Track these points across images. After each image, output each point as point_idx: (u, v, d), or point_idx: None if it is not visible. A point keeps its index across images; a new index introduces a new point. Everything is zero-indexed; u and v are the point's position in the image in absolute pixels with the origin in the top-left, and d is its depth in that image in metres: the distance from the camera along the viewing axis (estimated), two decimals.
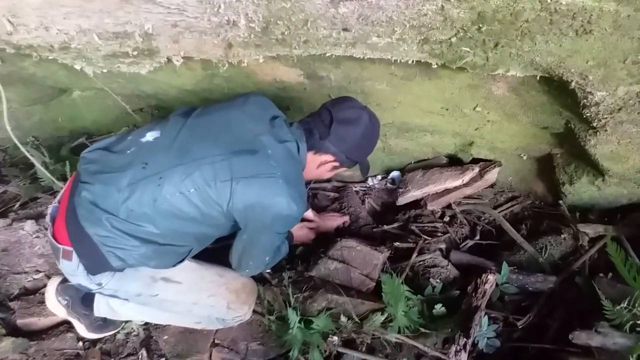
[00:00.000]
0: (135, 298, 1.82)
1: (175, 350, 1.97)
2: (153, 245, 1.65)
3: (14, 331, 2.05)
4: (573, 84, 1.83)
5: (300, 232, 2.37)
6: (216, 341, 2.00)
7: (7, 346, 1.95)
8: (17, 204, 2.63)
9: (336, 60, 2.16)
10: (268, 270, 2.21)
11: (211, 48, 1.98)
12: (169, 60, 2.12)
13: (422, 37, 1.77)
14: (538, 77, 1.92)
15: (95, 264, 1.65)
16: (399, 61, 1.95)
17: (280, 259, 2.02)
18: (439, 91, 2.28)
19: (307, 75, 2.32)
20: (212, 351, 1.97)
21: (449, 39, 1.76)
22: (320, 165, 1.87)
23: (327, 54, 1.94)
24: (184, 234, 1.69)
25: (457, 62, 1.88)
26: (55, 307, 1.98)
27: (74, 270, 1.68)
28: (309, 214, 2.49)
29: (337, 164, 1.87)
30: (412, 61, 1.93)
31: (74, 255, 1.65)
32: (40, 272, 2.28)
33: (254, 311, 2.03)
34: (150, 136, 1.72)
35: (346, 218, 2.55)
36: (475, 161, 2.76)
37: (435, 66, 1.94)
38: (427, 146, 2.77)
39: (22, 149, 2.31)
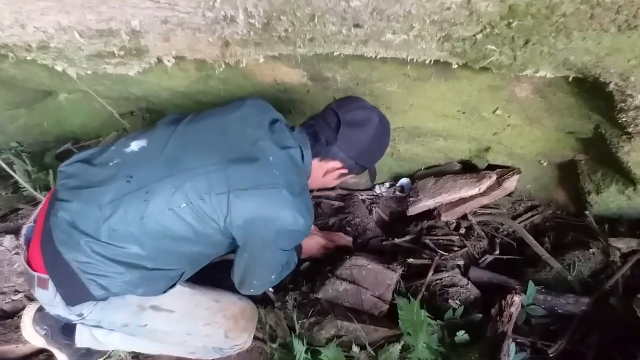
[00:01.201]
0: (121, 329, 1.62)
1: None
2: (140, 270, 1.45)
3: None
4: (611, 85, 1.64)
5: (312, 242, 2.16)
6: None
7: None
8: None
9: (344, 60, 1.97)
10: (271, 289, 2.02)
11: (206, 47, 1.79)
12: (160, 60, 1.93)
13: (444, 34, 1.57)
14: (571, 78, 1.72)
15: (75, 294, 1.45)
16: (415, 61, 1.76)
17: (288, 273, 1.84)
18: (456, 94, 2.08)
19: (311, 76, 2.12)
20: None
21: (474, 36, 1.56)
22: (327, 173, 1.69)
23: (335, 54, 1.75)
24: (175, 255, 1.49)
25: (481, 62, 1.69)
26: (33, 338, 1.78)
27: (51, 300, 1.48)
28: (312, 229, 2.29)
29: (345, 171, 1.69)
30: (430, 61, 1.74)
31: (51, 284, 1.45)
32: (19, 292, 2.09)
33: (255, 337, 1.84)
34: (135, 146, 1.52)
35: (350, 239, 2.35)
36: (490, 168, 2.56)
37: (456, 66, 1.75)
38: (440, 152, 2.58)
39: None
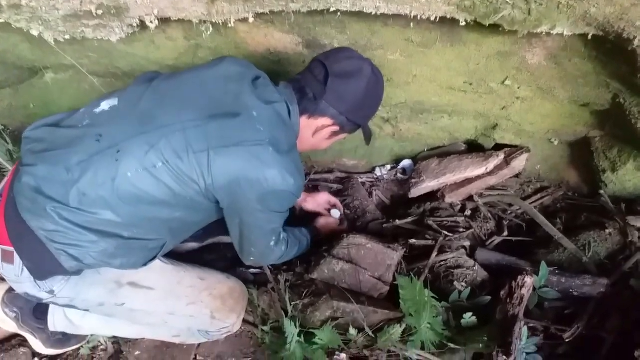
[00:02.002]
0: (97, 308, 1.47)
1: None
2: (115, 239, 1.30)
3: None
4: (636, 42, 1.49)
5: (329, 220, 2.07)
6: (198, 357, 1.67)
7: None
8: None
9: (341, 22, 1.83)
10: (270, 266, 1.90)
11: (190, 4, 1.64)
12: (143, 23, 1.78)
13: None
14: (590, 36, 1.57)
15: (42, 266, 1.31)
16: (418, 18, 1.61)
17: (301, 252, 1.76)
18: (462, 61, 1.94)
19: (307, 43, 1.98)
20: None
21: None
22: (316, 131, 1.55)
23: (332, 10, 1.60)
24: (154, 223, 1.35)
25: (492, 17, 1.54)
26: (3, 321, 1.64)
27: (17, 275, 1.34)
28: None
29: (336, 128, 1.54)
30: (436, 18, 1.59)
31: (16, 257, 1.30)
32: None
33: (244, 321, 1.69)
34: (106, 105, 1.37)
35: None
36: (497, 148, 2.41)
37: (464, 23, 1.59)
38: (444, 131, 2.43)
39: None
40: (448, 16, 1.58)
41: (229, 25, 1.71)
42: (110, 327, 1.64)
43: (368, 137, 1.67)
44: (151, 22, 1.75)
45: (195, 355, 1.66)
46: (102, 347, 1.76)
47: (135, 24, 1.79)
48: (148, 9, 1.68)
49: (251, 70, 1.50)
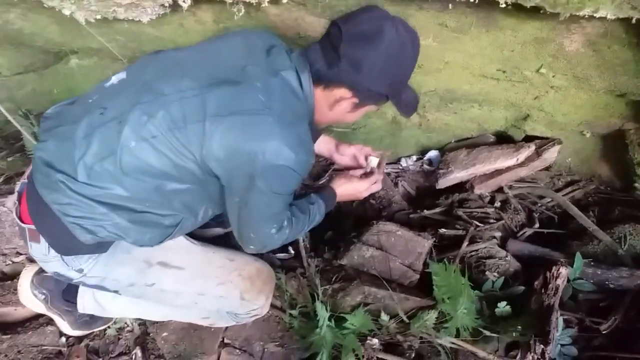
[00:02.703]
0: (126, 289, 1.45)
1: (176, 350, 1.62)
2: (127, 212, 1.27)
3: None
4: None
5: (350, 185, 1.68)
6: (226, 340, 1.64)
7: None
8: (1, 179, 2.30)
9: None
10: (291, 250, 1.87)
11: None
12: (175, 3, 1.77)
13: None
14: (634, 20, 1.52)
15: (63, 241, 1.29)
16: (456, 0, 1.58)
17: (313, 225, 1.56)
18: (497, 47, 1.90)
19: None
20: (220, 352, 1.61)
21: None
22: (334, 103, 1.35)
23: None
24: (162, 196, 1.29)
25: None
26: (31, 302, 1.63)
27: (44, 254, 1.32)
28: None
29: (355, 100, 1.33)
30: (475, 0, 1.55)
31: (42, 236, 1.30)
32: (20, 254, 1.94)
33: (272, 305, 1.67)
34: (115, 79, 1.33)
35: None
36: (526, 140, 2.37)
37: (503, 5, 1.56)
38: (473, 121, 2.39)
39: (6, 113, 1.98)
40: None
41: (263, 5, 1.69)
42: (139, 310, 1.62)
43: (404, 107, 1.42)
44: (184, 1, 1.74)
45: (223, 339, 1.64)
46: (128, 328, 1.75)
47: (167, 4, 1.78)
48: None
49: (267, 39, 1.38)
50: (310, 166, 1.32)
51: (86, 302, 1.61)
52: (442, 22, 1.83)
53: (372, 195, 2.35)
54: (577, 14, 1.54)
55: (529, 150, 2.21)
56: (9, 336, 1.67)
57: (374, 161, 1.75)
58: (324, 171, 2.63)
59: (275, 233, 1.38)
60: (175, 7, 1.80)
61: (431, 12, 1.79)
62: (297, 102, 1.31)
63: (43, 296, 1.62)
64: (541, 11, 1.56)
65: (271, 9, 1.87)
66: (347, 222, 2.20)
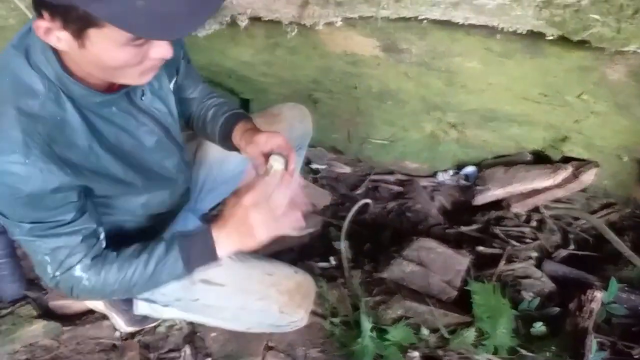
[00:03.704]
0: (174, 303, 1.55)
1: (224, 351, 1.72)
2: None
3: (46, 313, 1.84)
4: None
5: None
6: (270, 344, 1.73)
7: (38, 330, 1.75)
8: None
9: (423, 29, 1.86)
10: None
11: (284, 6, 1.72)
12: (234, 21, 1.87)
13: None
14: None
15: None
16: (504, 30, 1.63)
17: (155, 285, 1.25)
18: (540, 73, 1.95)
19: (385, 47, 2.03)
20: (265, 355, 1.71)
21: (578, 1, 1.43)
22: (45, 33, 0.90)
23: (420, 18, 1.64)
24: None
25: (580, 33, 1.55)
26: (93, 302, 1.75)
27: None
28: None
29: (62, 33, 0.89)
30: (523, 31, 1.61)
31: None
32: None
33: (314, 312, 1.75)
34: None
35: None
36: (563, 160, 2.41)
37: (551, 37, 1.61)
38: (511, 140, 2.44)
39: None
40: (535, 30, 1.60)
41: (317, 27, 1.78)
42: (189, 317, 1.72)
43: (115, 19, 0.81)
44: (242, 21, 1.84)
45: (268, 342, 1.73)
46: (177, 326, 1.85)
47: (225, 22, 1.88)
48: (242, 9, 1.76)
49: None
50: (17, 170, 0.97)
51: (141, 307, 1.70)
52: (488, 47, 1.88)
53: (408, 209, 2.43)
54: (622, 49, 1.59)
55: (567, 172, 2.25)
56: (69, 328, 1.79)
57: (277, 163, 1.13)
58: (360, 181, 2.71)
59: (59, 275, 1.13)
60: (231, 24, 1.91)
61: (477, 38, 1.84)
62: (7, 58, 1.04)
63: None
64: (586, 44, 1.61)
65: (323, 29, 1.96)
66: (385, 234, 2.27)
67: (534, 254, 2.00)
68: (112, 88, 1.10)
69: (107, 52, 0.92)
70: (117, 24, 0.82)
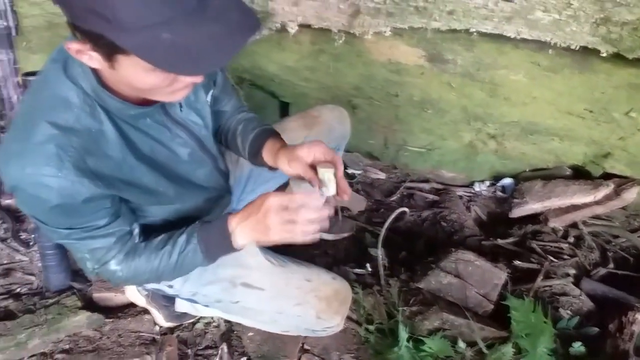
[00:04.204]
0: (215, 304, 1.58)
1: (260, 351, 1.75)
2: None
3: (90, 305, 1.90)
4: None
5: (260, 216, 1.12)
6: (306, 347, 1.76)
7: (82, 320, 1.81)
8: None
9: (470, 41, 1.87)
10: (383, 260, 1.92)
11: (334, 14, 1.74)
12: (283, 27, 1.90)
13: (602, 16, 1.45)
14: None
15: None
16: (557, 45, 1.63)
17: (181, 273, 1.29)
18: (587, 89, 1.93)
19: (430, 57, 2.03)
20: (300, 357, 1.73)
21: (638, 19, 1.42)
22: (77, 53, 0.91)
23: (471, 30, 1.65)
24: None
25: (636, 51, 1.54)
26: (134, 296, 1.81)
27: None
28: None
29: (93, 53, 0.90)
30: (576, 47, 1.60)
31: None
32: None
33: (348, 318, 1.77)
34: None
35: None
36: (604, 177, 2.37)
37: (605, 54, 1.60)
38: (551, 153, 2.41)
39: None
40: (590, 46, 1.59)
41: (366, 37, 1.79)
42: (228, 317, 1.75)
43: (142, 50, 0.82)
44: (292, 28, 1.86)
45: (303, 344, 1.76)
46: (214, 323, 1.89)
47: (275, 28, 1.91)
48: (293, 17, 1.80)
49: None
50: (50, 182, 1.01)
51: (182, 305, 1.75)
52: (535, 61, 1.88)
53: (444, 219, 2.43)
54: None
55: (608, 189, 2.22)
56: (111, 320, 1.85)
57: (327, 174, 1.14)
58: (394, 187, 2.72)
59: (97, 268, 1.21)
60: (280, 30, 1.94)
61: (525, 51, 1.84)
62: (47, 83, 1.07)
63: (146, 292, 1.79)
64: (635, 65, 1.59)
65: (369, 37, 1.97)
66: (419, 243, 2.28)
67: (572, 271, 1.98)
68: (147, 101, 1.11)
69: (135, 76, 0.94)
70: (141, 55, 0.82)
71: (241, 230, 1.15)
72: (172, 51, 0.82)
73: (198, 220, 1.27)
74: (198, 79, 0.99)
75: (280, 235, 1.09)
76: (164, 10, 0.80)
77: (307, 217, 1.07)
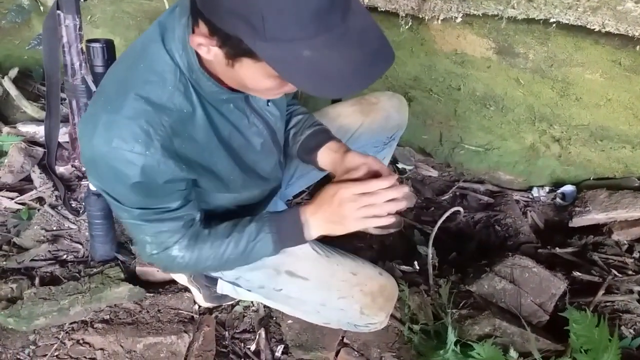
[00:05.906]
0: (258, 290, 1.54)
1: (299, 340, 1.70)
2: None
3: (132, 278, 1.90)
4: None
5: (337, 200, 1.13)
6: (345, 340, 1.70)
7: (124, 292, 1.80)
8: None
9: (546, 33, 1.75)
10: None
11: None
12: None
13: None
14: None
15: None
16: None
17: (247, 261, 1.29)
18: None
19: (499, 49, 1.92)
20: (339, 350, 1.67)
21: None
22: (208, 52, 0.89)
23: (551, 20, 1.53)
24: None
25: None
26: (177, 275, 1.79)
27: None
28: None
29: (214, 48, 0.87)
30: None
31: None
32: None
33: (392, 316, 1.70)
34: None
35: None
36: None
37: None
38: (620, 162, 2.25)
39: None
40: None
41: (435, 22, 1.70)
42: (269, 304, 1.71)
43: (284, 68, 0.81)
44: None
45: (343, 338, 1.70)
46: (253, 308, 1.86)
47: None
48: None
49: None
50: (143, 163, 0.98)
51: (224, 288, 1.71)
52: (615, 59, 1.74)
53: (498, 222, 2.31)
54: None
55: None
56: (152, 294, 1.84)
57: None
58: (447, 186, 2.61)
59: (153, 251, 1.19)
60: None
61: (606, 48, 1.71)
62: (138, 66, 1.04)
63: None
64: None
65: (436, 24, 1.88)
66: (470, 245, 2.18)
67: (637, 288, 1.83)
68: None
69: (253, 78, 0.93)
70: (277, 68, 0.81)
71: (314, 222, 1.18)
72: (311, 70, 0.81)
73: (253, 210, 1.28)
74: None
75: (358, 222, 1.12)
76: (310, 27, 0.77)
77: (387, 197, 1.08)
